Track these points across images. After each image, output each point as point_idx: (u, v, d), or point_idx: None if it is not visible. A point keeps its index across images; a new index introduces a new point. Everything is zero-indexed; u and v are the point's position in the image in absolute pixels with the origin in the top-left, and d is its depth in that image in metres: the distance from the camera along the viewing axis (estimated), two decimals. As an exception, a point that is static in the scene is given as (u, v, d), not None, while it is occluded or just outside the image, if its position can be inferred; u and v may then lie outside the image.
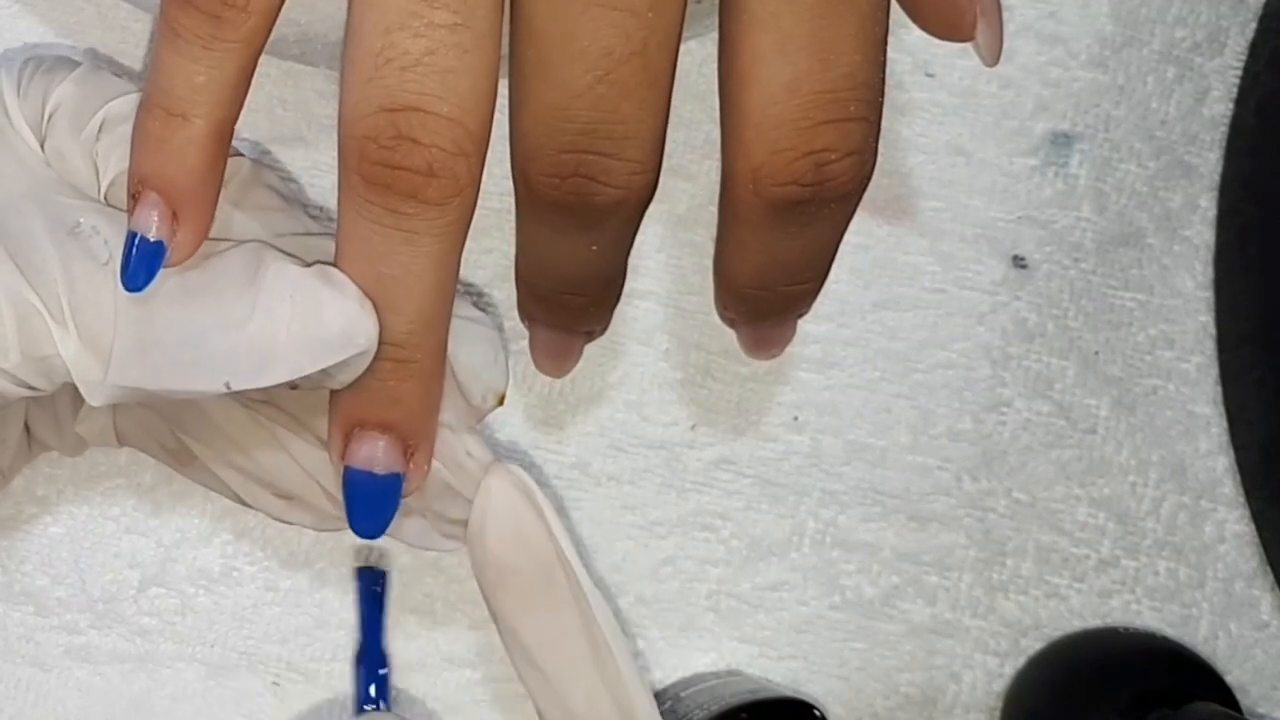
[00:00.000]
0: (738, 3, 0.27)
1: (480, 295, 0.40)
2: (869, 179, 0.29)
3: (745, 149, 0.27)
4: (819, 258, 0.30)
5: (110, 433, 0.36)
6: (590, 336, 0.32)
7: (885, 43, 0.28)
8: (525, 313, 0.32)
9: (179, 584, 0.40)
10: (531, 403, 0.40)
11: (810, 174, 0.27)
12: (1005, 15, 0.41)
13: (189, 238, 0.29)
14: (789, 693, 0.39)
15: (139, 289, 0.29)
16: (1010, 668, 0.41)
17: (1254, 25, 0.42)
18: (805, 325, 0.41)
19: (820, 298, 0.41)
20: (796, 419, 0.41)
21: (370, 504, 0.30)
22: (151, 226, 0.29)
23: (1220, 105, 0.42)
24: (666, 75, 0.27)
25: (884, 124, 0.41)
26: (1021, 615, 0.42)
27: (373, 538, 0.31)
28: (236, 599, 0.40)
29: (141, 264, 0.29)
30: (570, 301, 0.30)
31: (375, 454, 0.29)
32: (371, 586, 0.39)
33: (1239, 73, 0.42)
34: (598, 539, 0.40)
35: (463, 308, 0.33)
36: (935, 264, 0.41)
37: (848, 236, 0.41)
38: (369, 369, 0.29)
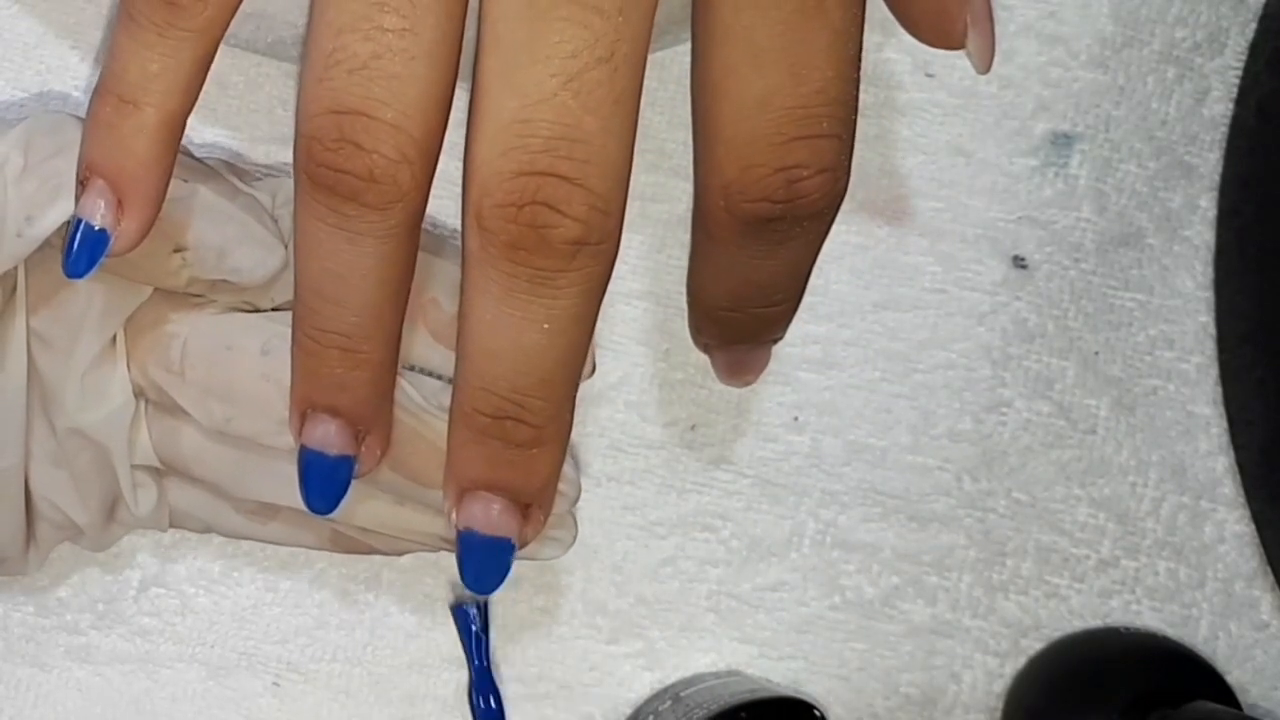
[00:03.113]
0: (710, 15, 0.27)
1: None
2: (842, 197, 0.28)
3: (717, 165, 0.27)
4: (792, 277, 0.30)
5: (164, 514, 0.37)
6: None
7: (858, 60, 0.28)
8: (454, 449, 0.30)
9: (179, 584, 0.40)
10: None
11: (782, 191, 0.27)
12: (1005, 15, 0.41)
13: (133, 227, 0.29)
14: (789, 693, 0.39)
15: (80, 276, 0.29)
16: (1010, 668, 0.41)
17: (1254, 25, 0.42)
18: (806, 326, 0.41)
19: (821, 298, 0.41)
20: (796, 419, 0.41)
21: (321, 483, 0.30)
22: (97, 214, 0.29)
23: (1220, 105, 0.42)
24: (632, 95, 0.26)
25: (886, 124, 0.41)
26: (1022, 615, 0.42)
27: (324, 513, 0.31)
28: (237, 599, 0.40)
29: (84, 251, 0.29)
30: (513, 411, 0.28)
31: (327, 436, 0.30)
32: (468, 624, 0.39)
33: (1239, 73, 0.42)
34: (598, 539, 0.40)
35: None
36: (935, 264, 0.41)
37: (848, 237, 0.41)
38: (319, 356, 0.29)
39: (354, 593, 0.40)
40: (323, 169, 0.27)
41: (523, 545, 0.30)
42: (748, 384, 0.33)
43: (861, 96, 0.40)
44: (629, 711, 0.40)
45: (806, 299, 0.41)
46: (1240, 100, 0.41)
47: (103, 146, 0.29)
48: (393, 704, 0.40)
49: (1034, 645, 0.42)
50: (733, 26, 0.26)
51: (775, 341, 0.32)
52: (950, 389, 0.41)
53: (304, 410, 0.30)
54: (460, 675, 0.40)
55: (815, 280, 0.41)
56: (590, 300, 0.27)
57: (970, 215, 0.41)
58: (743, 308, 0.30)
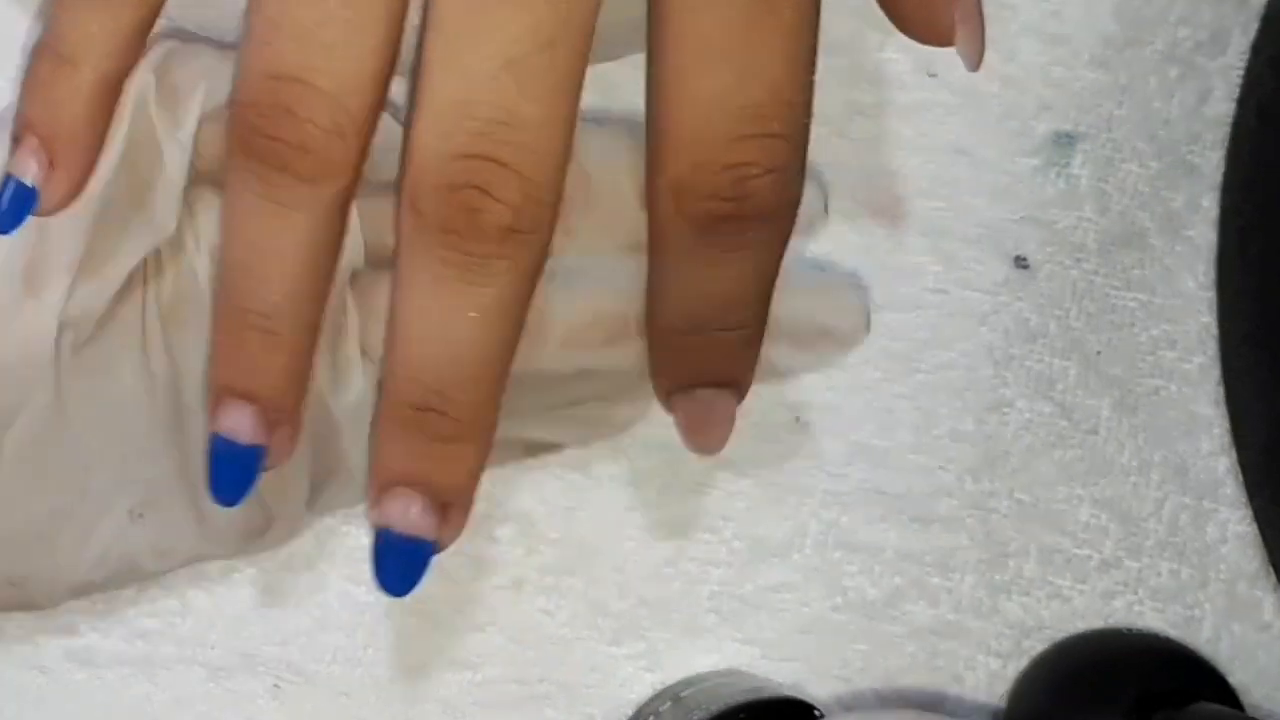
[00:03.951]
0: (662, 13, 0.27)
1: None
2: (795, 204, 0.28)
3: (667, 164, 0.27)
4: (750, 296, 0.29)
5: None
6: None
7: (812, 63, 0.28)
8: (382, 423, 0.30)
9: (179, 585, 0.40)
10: (533, 403, 0.40)
11: (730, 188, 0.27)
12: (1008, 15, 0.41)
13: (61, 187, 0.29)
14: (789, 693, 0.39)
15: (5, 233, 0.29)
16: (1013, 669, 0.41)
17: (1256, 25, 0.42)
18: (807, 326, 0.41)
19: (822, 298, 0.41)
20: (798, 420, 0.41)
21: (228, 473, 0.30)
22: (28, 172, 0.29)
23: (1223, 105, 0.42)
24: (573, 86, 0.26)
25: (887, 124, 0.41)
26: (1024, 616, 0.42)
27: (228, 505, 0.30)
28: (236, 601, 0.40)
29: (12, 208, 0.29)
30: (436, 403, 0.28)
31: (240, 423, 0.29)
32: None
33: (1241, 73, 0.42)
34: (600, 540, 0.40)
35: None
36: (937, 264, 0.41)
37: (848, 236, 0.41)
38: (238, 337, 0.29)
39: (354, 593, 0.40)
40: (255, 136, 0.27)
41: (440, 549, 0.29)
42: (714, 448, 0.33)
43: (862, 96, 0.41)
44: (630, 712, 0.40)
45: (808, 299, 0.41)
46: (1242, 100, 0.41)
47: (38, 105, 0.29)
48: (393, 705, 0.40)
49: (1037, 646, 0.41)
50: (683, 25, 0.26)
51: (739, 392, 0.32)
52: (952, 389, 0.41)
53: (220, 395, 0.29)
54: (464, 676, 0.40)
55: (817, 280, 0.41)
56: (520, 292, 0.27)
57: (972, 215, 0.41)
58: (700, 329, 0.30)
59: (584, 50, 0.26)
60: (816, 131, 0.40)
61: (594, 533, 0.40)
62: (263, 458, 0.30)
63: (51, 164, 0.29)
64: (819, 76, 0.41)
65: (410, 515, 0.29)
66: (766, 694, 0.38)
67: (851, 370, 0.41)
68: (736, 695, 0.38)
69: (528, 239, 0.27)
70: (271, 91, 0.26)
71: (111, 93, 0.29)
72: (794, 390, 0.41)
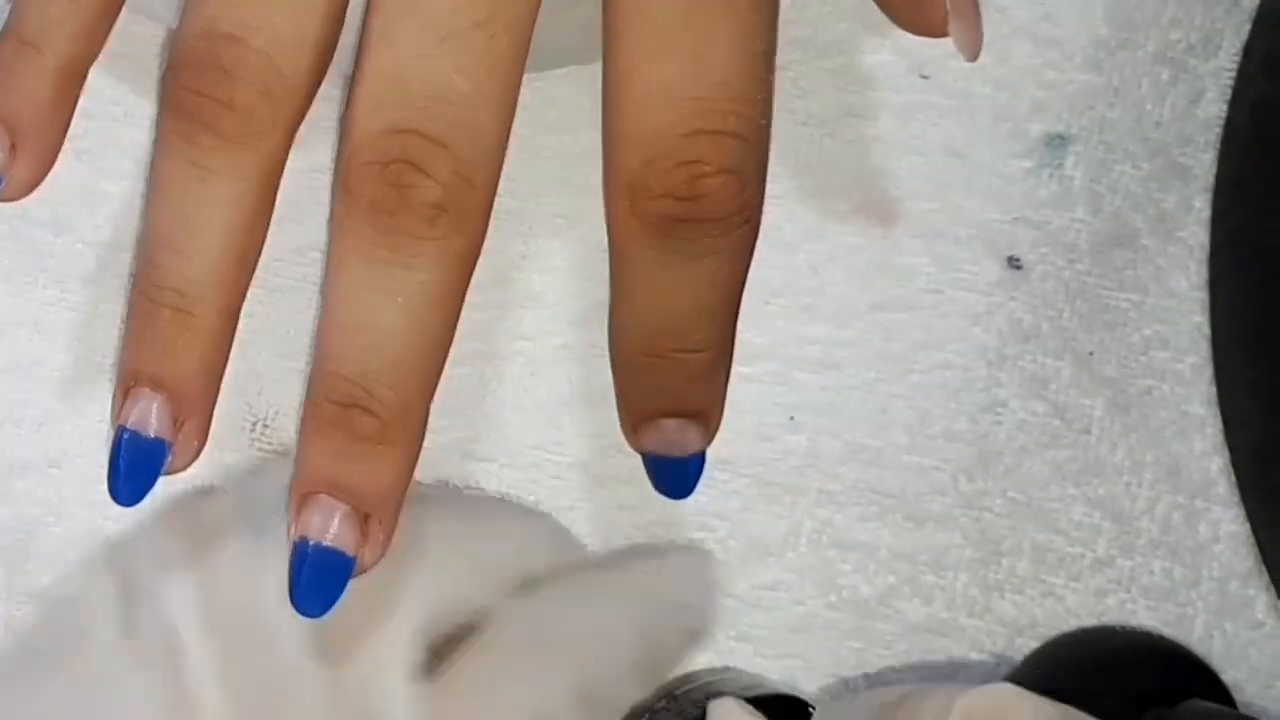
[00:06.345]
0: (615, 4, 0.26)
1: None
2: (753, 212, 0.28)
3: (620, 162, 0.27)
4: (709, 309, 0.29)
5: None
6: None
7: (768, 60, 0.27)
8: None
9: (180, 583, 0.40)
10: (530, 404, 0.41)
11: (684, 186, 0.26)
12: (1000, 18, 0.41)
13: (24, 173, 0.29)
14: (784, 689, 0.39)
15: None
16: (1006, 667, 0.42)
17: (1248, 27, 0.42)
18: (803, 327, 0.41)
19: (817, 299, 0.41)
20: (793, 419, 0.41)
21: (132, 466, 0.29)
22: None
23: (1214, 107, 0.42)
24: (510, 68, 0.26)
25: (880, 126, 0.41)
26: (1017, 614, 0.42)
27: (129, 505, 0.29)
28: (237, 598, 0.40)
29: None
30: (360, 398, 0.27)
31: (147, 413, 0.28)
32: None
33: (1233, 75, 0.42)
34: (596, 539, 0.41)
35: None
36: (931, 265, 0.41)
37: (843, 238, 0.41)
38: (151, 316, 0.28)
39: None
40: (184, 93, 0.26)
41: (361, 569, 0.28)
42: (682, 490, 0.32)
43: (854, 98, 0.41)
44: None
45: (804, 300, 0.41)
46: (1234, 102, 0.42)
47: (1, 89, 0.28)
48: (392, 703, 0.40)
49: (1030, 644, 0.42)
50: (634, 16, 0.26)
51: (707, 427, 0.31)
52: (946, 389, 0.42)
53: (127, 385, 0.28)
54: (459, 674, 0.40)
55: (812, 281, 0.41)
56: (448, 280, 0.26)
57: (965, 216, 0.41)
58: (662, 350, 0.29)
59: (524, 34, 0.26)
60: (809, 133, 0.41)
61: (589, 532, 0.41)
62: (165, 454, 0.29)
63: (14, 148, 0.29)
64: (812, 79, 0.41)
65: (331, 526, 0.27)
66: (761, 691, 0.38)
67: (846, 370, 0.41)
68: (732, 691, 0.38)
69: (459, 219, 0.26)
70: (206, 50, 0.26)
71: (76, 78, 0.29)
72: (788, 389, 0.41)
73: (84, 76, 0.29)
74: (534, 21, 0.26)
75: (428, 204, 0.26)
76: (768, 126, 0.27)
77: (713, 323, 0.29)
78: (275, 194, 0.27)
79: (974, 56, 0.30)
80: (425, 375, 0.27)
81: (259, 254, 0.28)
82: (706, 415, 0.30)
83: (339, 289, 0.27)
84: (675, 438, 0.31)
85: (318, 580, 0.28)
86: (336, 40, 0.27)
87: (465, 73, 0.25)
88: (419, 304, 0.27)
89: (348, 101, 0.26)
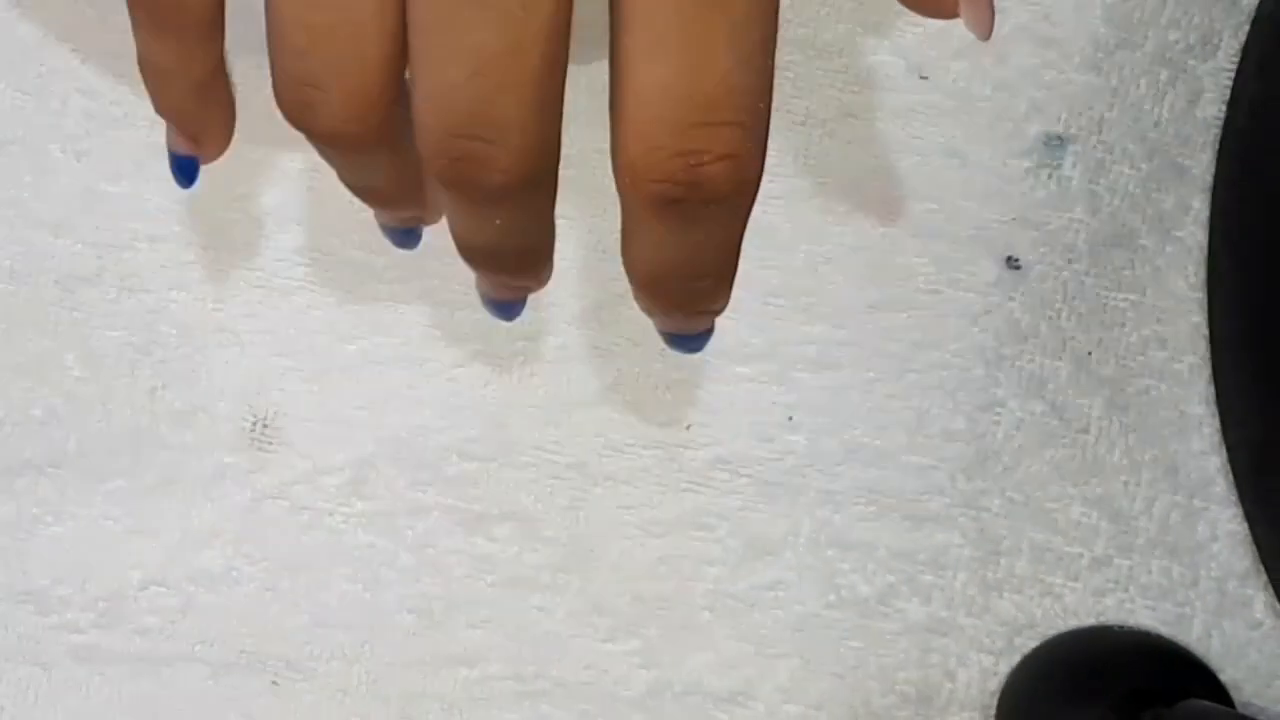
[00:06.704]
0: (616, 4, 0.27)
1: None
2: (753, 183, 0.29)
3: (623, 146, 0.28)
4: (713, 259, 0.30)
5: None
6: (530, 290, 0.33)
7: (769, 47, 0.28)
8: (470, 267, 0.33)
9: (180, 583, 0.40)
10: (530, 404, 0.41)
11: (683, 174, 0.27)
12: (999, 18, 0.41)
13: (214, 151, 0.32)
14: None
15: (186, 187, 0.33)
16: (1005, 666, 0.42)
17: (1246, 28, 0.42)
18: (802, 326, 0.41)
19: (816, 299, 0.41)
20: (792, 419, 0.41)
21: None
22: (183, 149, 0.32)
23: (1212, 107, 0.42)
24: (547, 74, 0.27)
25: (880, 126, 0.41)
26: (1016, 614, 0.42)
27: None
28: (237, 598, 0.40)
29: (184, 173, 0.33)
30: (500, 266, 0.31)
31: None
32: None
33: (1231, 75, 0.42)
34: (595, 539, 0.41)
35: None
36: (930, 265, 0.41)
37: (843, 239, 0.41)
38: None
39: (353, 592, 0.40)
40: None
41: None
42: (694, 351, 0.34)
43: (854, 98, 0.41)
44: (624, 709, 0.41)
45: (802, 300, 0.41)
46: (1232, 102, 0.42)
47: (160, 96, 0.31)
48: (391, 703, 0.40)
49: (1028, 643, 0.42)
50: (634, 14, 0.27)
51: (714, 313, 0.32)
52: (944, 389, 0.42)
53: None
54: (463, 674, 0.40)
55: (810, 281, 0.41)
56: (529, 210, 0.29)
57: (964, 216, 0.41)
58: (668, 282, 0.31)
59: (554, 44, 0.27)
60: (809, 133, 0.41)
61: (590, 531, 0.41)
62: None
63: (194, 138, 0.32)
64: (812, 78, 0.41)
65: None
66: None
67: (845, 370, 0.41)
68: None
69: (525, 177, 0.28)
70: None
71: (217, 73, 0.31)
72: (788, 390, 0.41)
73: (222, 37, 0.30)
74: (561, 27, 0.27)
75: (498, 186, 0.28)
76: (768, 108, 0.28)
77: (717, 265, 0.31)
78: None
79: (987, 35, 0.30)
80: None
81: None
82: (715, 310, 0.32)
83: (450, 217, 0.30)
84: (688, 324, 0.32)
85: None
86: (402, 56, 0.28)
87: (505, 91, 0.27)
88: (515, 226, 0.29)
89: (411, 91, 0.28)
